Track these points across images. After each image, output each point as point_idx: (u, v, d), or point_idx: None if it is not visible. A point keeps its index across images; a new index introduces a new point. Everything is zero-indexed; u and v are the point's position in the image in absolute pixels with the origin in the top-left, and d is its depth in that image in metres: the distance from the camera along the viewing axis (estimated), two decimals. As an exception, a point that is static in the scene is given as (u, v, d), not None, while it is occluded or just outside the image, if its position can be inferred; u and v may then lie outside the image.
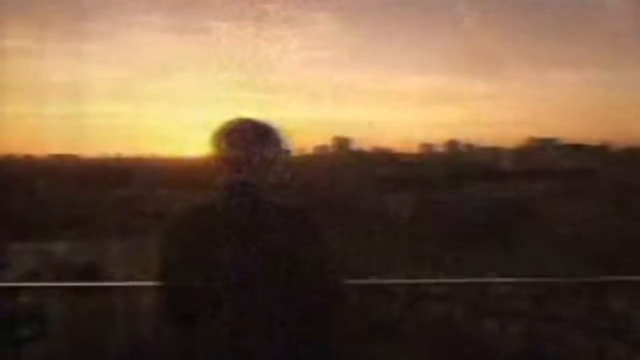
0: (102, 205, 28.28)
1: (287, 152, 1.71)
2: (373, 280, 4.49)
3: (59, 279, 15.74)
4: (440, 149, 54.75)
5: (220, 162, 1.66)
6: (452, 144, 55.42)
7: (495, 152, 48.48)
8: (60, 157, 46.67)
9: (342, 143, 50.90)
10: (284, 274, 1.56)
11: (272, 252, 1.57)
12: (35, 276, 17.41)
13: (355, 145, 48.29)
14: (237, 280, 1.56)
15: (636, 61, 79.05)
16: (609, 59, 79.94)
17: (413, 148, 52.01)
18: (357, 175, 33.52)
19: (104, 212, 26.81)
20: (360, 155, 43.96)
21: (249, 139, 1.64)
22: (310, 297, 1.61)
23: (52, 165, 40.25)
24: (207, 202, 1.69)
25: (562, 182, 34.05)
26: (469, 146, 54.23)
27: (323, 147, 43.23)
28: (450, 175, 37.48)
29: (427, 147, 55.11)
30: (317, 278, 1.63)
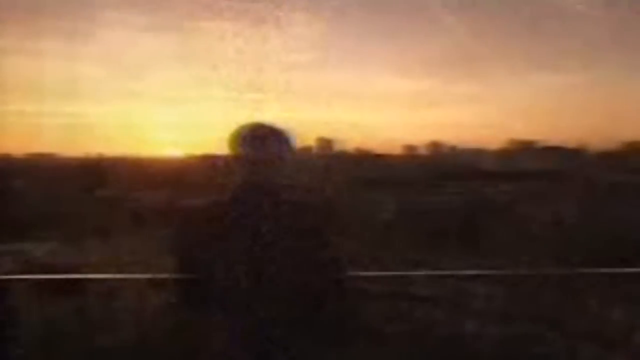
0: (83, 205, 27.95)
1: (295, 151, 1.87)
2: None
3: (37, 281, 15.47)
4: (423, 151, 55.15)
5: (238, 161, 1.81)
6: (435, 146, 55.84)
7: (477, 154, 48.92)
8: (39, 157, 46.04)
9: (325, 144, 50.96)
10: (298, 261, 1.74)
11: (288, 243, 1.73)
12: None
13: (338, 147, 48.37)
14: (256, 269, 1.73)
15: (614, 65, 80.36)
16: (588, 62, 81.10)
17: (396, 149, 52.35)
18: (340, 176, 33.58)
19: (84, 212, 26.49)
20: (343, 156, 44.01)
21: (263, 141, 1.80)
22: (320, 282, 1.80)
23: (31, 165, 39.70)
24: (227, 198, 1.83)
25: (542, 183, 34.49)
26: (452, 148, 54.69)
27: (306, 148, 43.11)
28: (433, 176, 37.72)
29: (410, 148, 55.47)
30: (326, 266, 1.82)
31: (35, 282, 3.85)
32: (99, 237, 23.17)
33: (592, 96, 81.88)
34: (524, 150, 47.71)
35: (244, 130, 1.83)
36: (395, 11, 73.24)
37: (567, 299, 3.70)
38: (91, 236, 23.22)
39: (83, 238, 22.89)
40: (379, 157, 45.89)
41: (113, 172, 34.01)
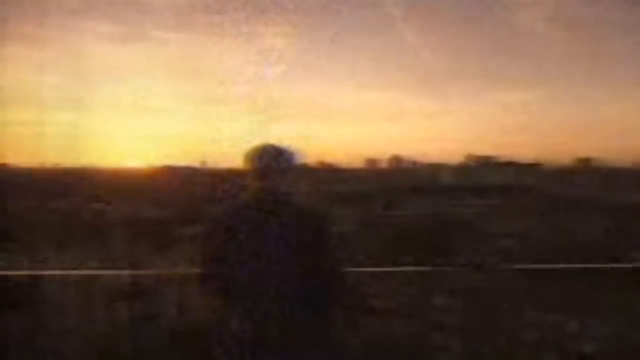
0: (39, 216, 27.13)
1: (296, 166, 2.38)
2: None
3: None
4: (385, 165, 55.65)
5: (252, 174, 2.28)
6: (396, 160, 56.44)
7: (437, 169, 49.62)
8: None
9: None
10: (300, 257, 2.15)
11: (292, 240, 2.16)
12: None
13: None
14: (267, 261, 2.14)
15: (568, 84, 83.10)
16: (542, 81, 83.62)
17: (357, 163, 52.68)
18: (301, 189, 33.51)
19: (40, 224, 25.71)
20: (304, 169, 43.86)
21: (271, 158, 2.28)
22: (319, 276, 2.18)
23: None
24: (244, 202, 2.28)
25: (500, 197, 35.20)
26: (413, 162, 55.37)
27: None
28: (393, 190, 38.07)
29: (371, 162, 55.90)
30: (325, 262, 2.22)
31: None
32: (56, 249, 22.51)
33: (546, 114, 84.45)
34: (482, 165, 48.70)
35: (256, 149, 2.31)
36: (359, 28, 74.16)
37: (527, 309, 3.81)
38: (47, 248, 22.54)
39: (39, 250, 22.20)
40: (340, 170, 46.07)
41: (71, 183, 33.17)
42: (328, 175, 41.94)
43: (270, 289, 2.12)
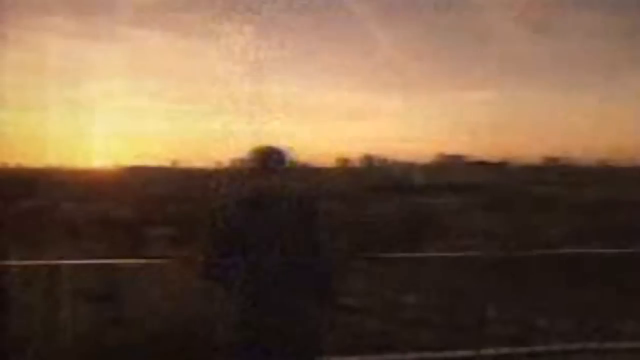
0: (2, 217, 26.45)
1: (292, 165, 2.59)
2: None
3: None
4: (357, 164, 55.79)
5: (253, 172, 2.49)
6: (368, 159, 56.63)
7: (408, 167, 49.95)
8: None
9: (259, 156, 50.08)
10: (296, 244, 2.35)
11: (289, 229, 2.36)
12: None
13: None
14: (265, 246, 2.33)
15: (537, 84, 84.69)
16: (511, 81, 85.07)
17: (328, 162, 52.72)
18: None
19: (4, 225, 25.05)
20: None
21: (270, 158, 2.51)
22: (314, 258, 2.39)
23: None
24: (246, 196, 2.49)
25: (468, 195, 35.66)
26: (383, 161, 55.63)
27: (239, 160, 42.66)
28: (364, 189, 38.21)
29: (342, 161, 55.99)
30: (319, 248, 2.44)
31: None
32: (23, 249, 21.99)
33: (515, 114, 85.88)
34: (452, 164, 49.23)
35: (259, 150, 2.54)
36: (330, 27, 74.31)
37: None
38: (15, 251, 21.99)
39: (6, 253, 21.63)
40: (311, 169, 46.02)
41: (35, 183, 32.49)
42: (300, 174, 41.80)
43: (273, 277, 2.29)
